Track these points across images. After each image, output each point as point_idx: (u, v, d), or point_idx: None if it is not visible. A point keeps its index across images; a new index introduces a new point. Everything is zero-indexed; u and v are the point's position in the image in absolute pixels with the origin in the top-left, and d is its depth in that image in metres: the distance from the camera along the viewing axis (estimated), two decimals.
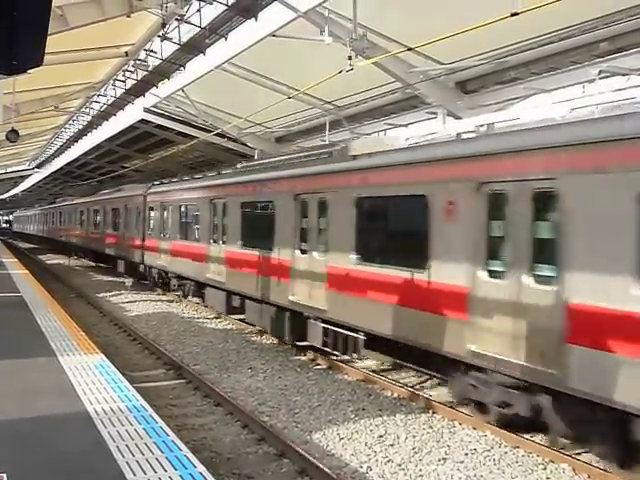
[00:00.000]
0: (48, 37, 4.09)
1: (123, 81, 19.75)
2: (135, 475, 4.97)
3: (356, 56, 12.26)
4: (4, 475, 4.86)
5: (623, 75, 10.63)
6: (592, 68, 10.81)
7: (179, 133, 25.52)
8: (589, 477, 7.24)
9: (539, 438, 8.42)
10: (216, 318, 17.84)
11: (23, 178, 58.58)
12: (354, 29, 12.07)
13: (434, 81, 14.18)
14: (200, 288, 19.18)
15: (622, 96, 8.79)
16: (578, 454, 7.82)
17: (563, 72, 12.35)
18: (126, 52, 15.70)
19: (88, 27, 11.84)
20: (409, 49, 11.95)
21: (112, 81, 19.84)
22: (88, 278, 29.50)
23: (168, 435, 5.93)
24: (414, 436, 8.53)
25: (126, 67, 18.03)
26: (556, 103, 10.85)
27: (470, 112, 14.12)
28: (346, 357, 12.04)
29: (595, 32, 10.90)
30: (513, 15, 8.49)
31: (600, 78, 10.04)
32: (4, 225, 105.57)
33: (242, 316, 16.27)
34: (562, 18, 10.97)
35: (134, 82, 19.32)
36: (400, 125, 18.54)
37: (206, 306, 18.84)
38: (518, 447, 8.12)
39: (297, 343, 13.48)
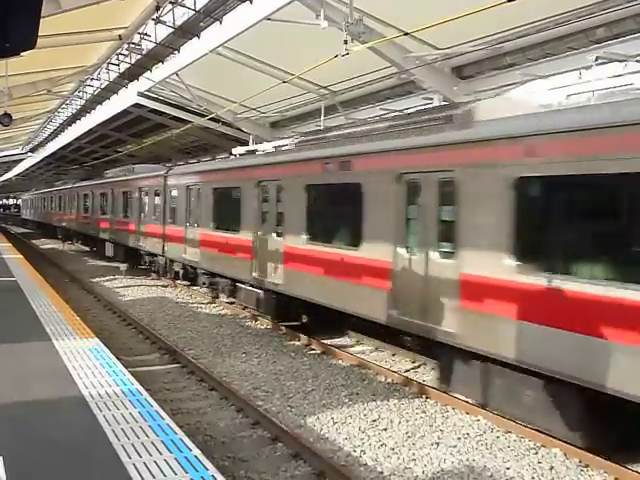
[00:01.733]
0: (41, 20, 4.05)
1: (117, 65, 19.65)
2: (130, 458, 4.99)
3: (352, 41, 12.18)
4: (0, 458, 4.88)
5: (620, 61, 10.59)
6: (589, 54, 10.78)
7: (173, 117, 25.38)
8: (580, 462, 7.31)
9: None
10: (210, 303, 17.85)
11: (16, 162, 58.27)
12: (350, 13, 11.99)
13: (430, 66, 14.13)
14: None
15: (619, 82, 8.78)
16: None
17: (560, 58, 12.30)
18: (120, 35, 15.53)
19: (81, 10, 11.70)
20: (405, 34, 11.89)
21: (105, 65, 19.72)
22: (82, 263, 29.45)
23: (163, 419, 5.95)
24: (407, 421, 8.59)
25: (120, 51, 17.90)
26: (552, 89, 10.84)
27: (466, 98, 14.08)
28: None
29: (592, 18, 10.86)
30: (510, 0, 8.46)
31: (597, 64, 10.01)
32: None
33: None
34: (559, 3, 10.93)
35: (128, 66, 19.22)
36: (395, 111, 18.48)
37: None
38: (510, 432, 8.19)
39: None
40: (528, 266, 7.69)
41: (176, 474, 4.74)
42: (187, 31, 15.10)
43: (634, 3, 10.08)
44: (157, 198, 23.09)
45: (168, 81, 20.76)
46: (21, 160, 55.53)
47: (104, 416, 5.93)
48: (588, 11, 10.80)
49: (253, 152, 16.81)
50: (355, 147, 11.58)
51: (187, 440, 5.45)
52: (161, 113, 25.40)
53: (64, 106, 28.86)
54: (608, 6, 10.46)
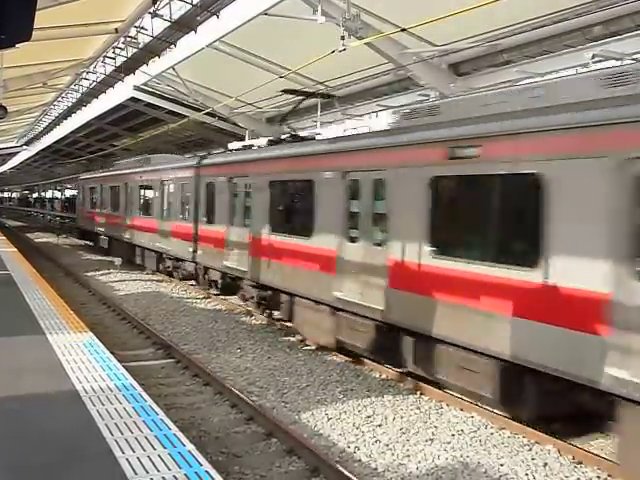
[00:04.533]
0: (37, 12, 4.03)
1: (113, 58, 19.55)
2: (124, 453, 4.97)
3: (349, 36, 12.17)
4: None
5: (617, 59, 10.61)
6: (586, 52, 10.79)
7: (169, 112, 25.32)
8: (574, 458, 7.33)
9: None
10: (205, 298, 17.84)
11: (11, 155, 58.04)
12: (347, 9, 11.98)
13: (427, 63, 14.12)
14: None
15: None
16: (564, 435, 7.92)
17: (556, 56, 12.32)
18: (116, 29, 15.47)
19: (78, 2, 11.65)
20: (402, 30, 11.88)
21: (102, 58, 19.63)
22: (77, 257, 29.35)
23: (157, 414, 5.94)
24: (402, 417, 8.59)
25: (116, 44, 17.83)
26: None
27: (463, 95, 14.08)
28: None
29: (589, 15, 10.87)
30: None
31: (593, 62, 10.02)
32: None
33: None
34: (556, 1, 10.93)
35: (124, 59, 19.14)
36: (392, 107, 18.46)
37: None
38: (504, 428, 8.21)
39: None
40: None
41: (170, 469, 4.73)
42: (184, 25, 15.03)
43: (631, 1, 10.07)
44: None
45: (164, 75, 20.70)
46: (16, 153, 55.29)
47: (98, 411, 5.91)
48: (585, 9, 10.81)
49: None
50: None
51: (181, 435, 5.43)
52: (157, 107, 25.34)
53: (60, 99, 28.73)
54: (605, 4, 10.47)
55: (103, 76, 22.06)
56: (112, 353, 8.42)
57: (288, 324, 13.65)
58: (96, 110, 28.10)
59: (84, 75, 22.77)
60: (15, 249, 22.67)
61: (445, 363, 8.70)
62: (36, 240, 39.67)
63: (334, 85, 18.26)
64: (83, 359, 7.77)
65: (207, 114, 22.37)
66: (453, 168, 8.53)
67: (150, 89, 23.27)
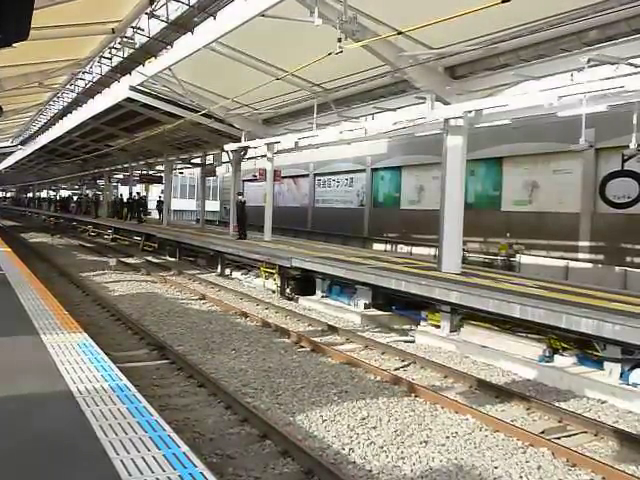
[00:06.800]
0: (34, 11, 4.02)
1: (109, 58, 19.55)
2: (118, 454, 4.95)
3: (346, 38, 12.19)
4: None
5: (612, 64, 10.67)
6: (581, 56, 10.85)
7: (165, 112, 25.30)
8: (567, 461, 7.35)
9: (519, 422, 8.54)
10: (200, 299, 17.81)
11: (6, 155, 57.85)
12: (344, 11, 11.99)
13: (423, 66, 14.15)
14: None
15: (610, 85, 8.82)
16: (558, 438, 7.95)
17: (552, 59, 12.38)
18: (113, 29, 15.43)
19: (75, 2, 11.63)
20: (399, 33, 11.90)
21: (98, 58, 19.61)
22: (72, 257, 29.27)
23: (152, 415, 5.91)
24: (396, 419, 8.60)
25: (112, 44, 17.82)
26: (544, 90, 10.88)
27: (458, 98, 14.12)
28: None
29: (585, 20, 10.93)
30: (504, 1, 8.49)
31: (589, 66, 10.06)
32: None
33: None
34: (552, 5, 10.99)
35: (120, 60, 19.13)
36: (388, 109, 18.51)
37: None
38: (498, 431, 8.22)
39: None
40: None
41: (164, 471, 4.71)
42: (181, 26, 15.04)
43: (627, 6, 10.15)
44: None
45: (160, 76, 20.68)
46: (11, 153, 55.10)
47: (92, 411, 5.88)
48: (581, 13, 10.87)
49: None
50: None
51: (175, 437, 5.41)
52: (153, 108, 25.32)
53: (56, 99, 28.68)
54: (601, 9, 10.53)
55: (99, 76, 22.05)
56: (106, 354, 8.38)
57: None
58: (92, 110, 28.05)
59: (80, 75, 22.73)
60: (9, 249, 22.58)
61: None
62: (31, 240, 39.54)
63: (331, 87, 18.29)
64: (77, 359, 7.74)
65: (203, 115, 22.36)
66: None
67: (146, 89, 23.24)
